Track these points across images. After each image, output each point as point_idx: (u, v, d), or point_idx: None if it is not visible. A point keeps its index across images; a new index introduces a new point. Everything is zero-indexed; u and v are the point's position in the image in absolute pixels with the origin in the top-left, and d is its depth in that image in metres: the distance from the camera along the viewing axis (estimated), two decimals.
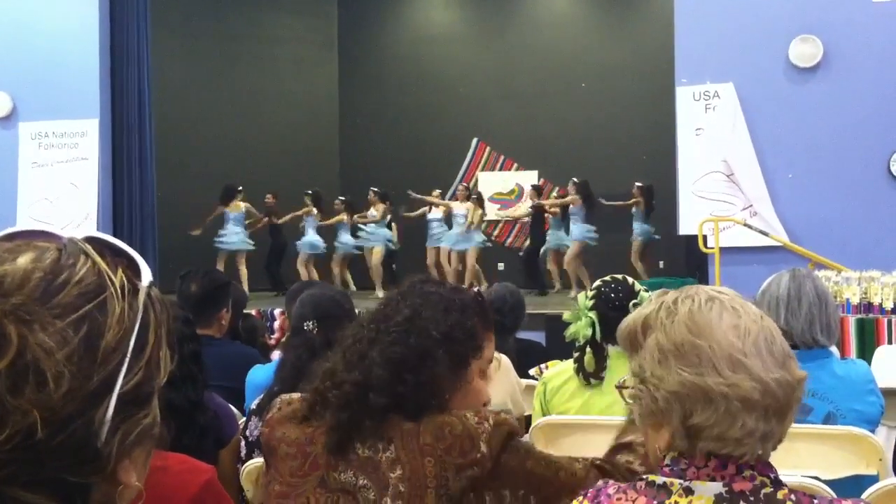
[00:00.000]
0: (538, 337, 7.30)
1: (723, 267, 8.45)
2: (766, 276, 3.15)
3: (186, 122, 15.10)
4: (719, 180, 8.90)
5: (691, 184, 8.99)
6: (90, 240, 0.85)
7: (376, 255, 13.37)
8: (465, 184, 14.97)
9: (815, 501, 1.42)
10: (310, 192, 14.09)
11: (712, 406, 1.40)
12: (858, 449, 2.75)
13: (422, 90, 16.91)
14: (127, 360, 0.81)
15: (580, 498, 1.57)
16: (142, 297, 0.85)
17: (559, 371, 3.23)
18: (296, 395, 1.88)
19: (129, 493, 0.83)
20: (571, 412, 3.08)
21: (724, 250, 8.54)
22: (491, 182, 16.29)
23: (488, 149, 16.83)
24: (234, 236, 13.41)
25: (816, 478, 2.42)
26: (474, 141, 16.83)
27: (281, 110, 16.52)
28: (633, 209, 13.34)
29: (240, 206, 13.51)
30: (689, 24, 9.09)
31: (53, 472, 0.77)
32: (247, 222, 13.71)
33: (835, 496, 1.73)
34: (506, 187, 16.60)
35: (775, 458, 1.48)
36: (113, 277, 0.82)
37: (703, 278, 9.31)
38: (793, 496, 1.41)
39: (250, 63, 16.37)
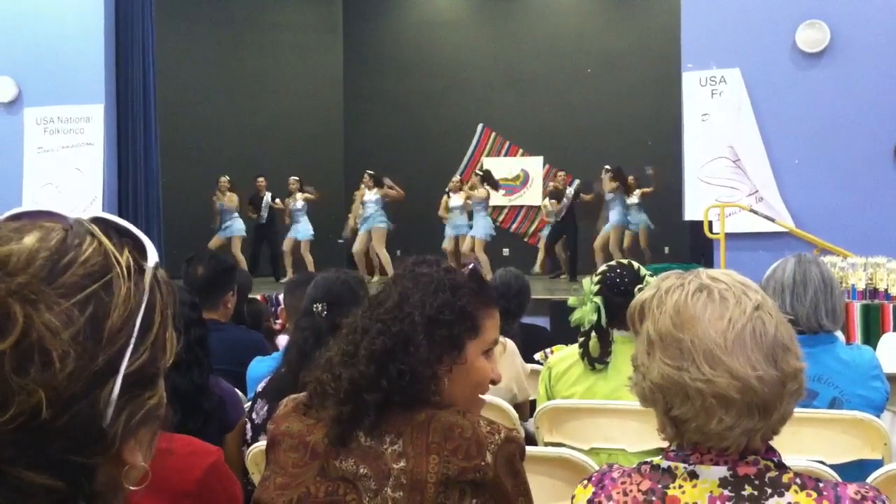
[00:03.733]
0: (543, 322, 7.30)
1: (728, 253, 8.43)
2: (772, 262, 3.14)
3: (191, 107, 15.14)
4: (725, 166, 8.88)
5: (697, 169, 8.97)
6: (96, 220, 0.85)
7: (377, 237, 13.36)
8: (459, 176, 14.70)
9: (820, 485, 1.42)
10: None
11: (689, 401, 1.40)
12: (863, 434, 2.76)
13: (427, 76, 16.88)
14: (133, 340, 0.80)
15: (585, 482, 1.58)
16: (148, 277, 0.84)
17: (564, 356, 3.23)
18: (301, 395, 1.86)
19: (135, 473, 0.83)
20: (576, 397, 3.08)
21: (729, 236, 8.52)
22: (496, 168, 16.26)
23: (493, 134, 16.80)
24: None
25: (821, 462, 2.42)
26: (479, 127, 16.81)
27: (285, 96, 16.51)
28: (610, 196, 13.38)
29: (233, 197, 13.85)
30: (696, 10, 9.05)
31: (58, 453, 0.77)
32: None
33: (840, 480, 1.73)
34: (511, 173, 16.58)
35: (780, 443, 1.47)
36: (119, 258, 0.82)
37: (709, 264, 9.30)
38: (798, 479, 1.41)
39: (255, 48, 16.37)
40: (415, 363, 1.73)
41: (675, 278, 1.51)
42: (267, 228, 14.38)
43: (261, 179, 14.46)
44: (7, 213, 0.84)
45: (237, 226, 13.84)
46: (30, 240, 0.79)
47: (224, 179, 13.79)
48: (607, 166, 13.25)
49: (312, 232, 13.91)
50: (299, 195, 13.95)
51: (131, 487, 0.84)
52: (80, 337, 0.76)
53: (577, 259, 13.63)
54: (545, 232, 14.67)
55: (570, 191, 13.98)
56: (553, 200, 13.90)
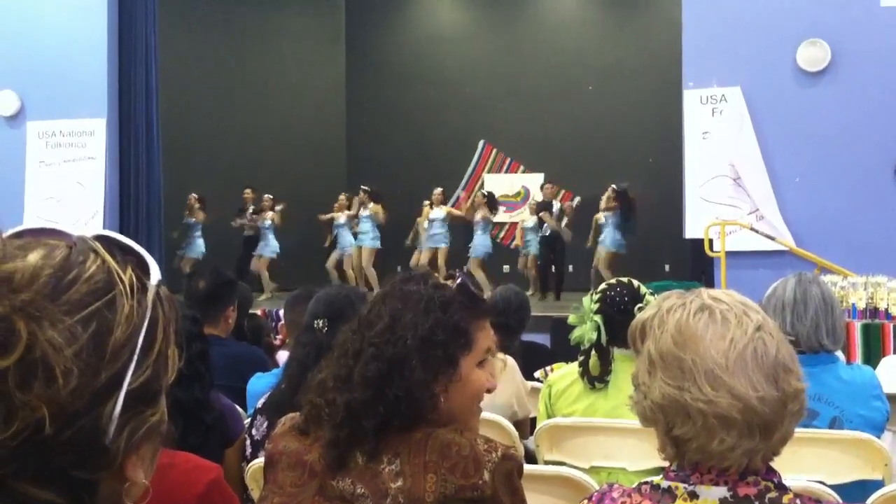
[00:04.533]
0: (543, 339, 7.29)
1: (729, 271, 8.43)
2: (772, 280, 3.14)
3: (193, 117, 15.18)
4: (726, 184, 8.89)
5: (698, 187, 8.98)
6: (100, 238, 0.86)
7: (366, 255, 13.53)
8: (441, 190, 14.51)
9: None
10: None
11: (691, 421, 1.40)
12: (864, 454, 2.75)
13: (428, 88, 16.94)
14: (135, 357, 0.81)
15: (585, 501, 1.57)
16: (151, 295, 0.85)
17: (564, 374, 3.22)
18: (298, 415, 1.85)
19: (137, 489, 0.84)
20: (576, 415, 3.08)
21: (730, 254, 8.52)
22: (497, 184, 16.27)
23: (494, 151, 16.83)
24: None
25: (822, 482, 2.42)
26: (481, 143, 16.85)
27: (288, 106, 16.57)
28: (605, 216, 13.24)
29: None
30: (697, 28, 9.07)
31: (61, 468, 0.77)
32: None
33: (840, 501, 1.73)
34: (512, 189, 16.60)
35: (780, 463, 1.47)
36: (122, 275, 0.83)
37: (709, 282, 9.29)
38: (798, 501, 1.41)
39: (258, 59, 16.43)
40: (411, 386, 1.72)
41: (676, 298, 1.51)
42: (255, 241, 14.22)
43: (247, 191, 14.44)
44: (10, 231, 0.85)
45: (197, 246, 13.80)
46: (34, 257, 0.80)
47: (193, 197, 13.83)
48: (614, 185, 13.02)
49: (278, 248, 14.08)
50: (269, 213, 14.04)
51: (132, 503, 0.84)
52: (84, 353, 0.77)
53: (563, 278, 13.45)
54: (529, 249, 14.21)
55: (556, 205, 13.77)
56: (544, 213, 13.57)
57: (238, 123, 15.86)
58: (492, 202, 13.59)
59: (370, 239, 13.53)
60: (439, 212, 13.65)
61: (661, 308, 1.50)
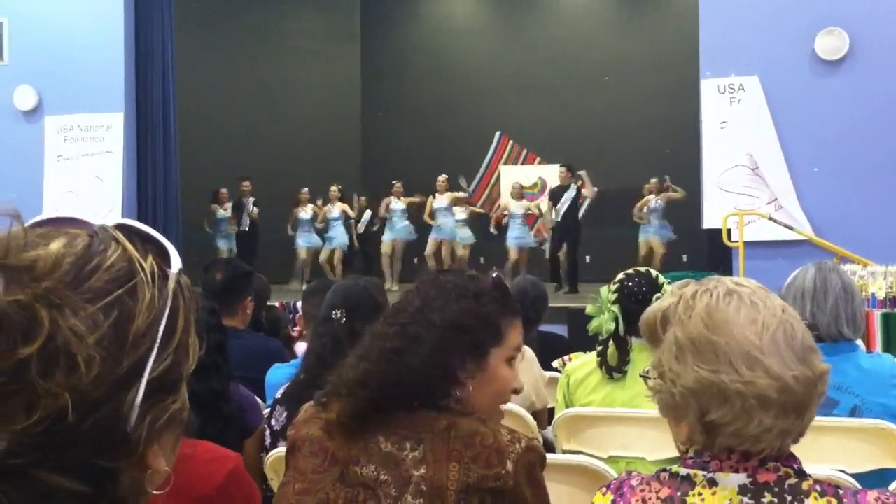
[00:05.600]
0: (560, 330, 7.29)
1: (747, 261, 8.40)
2: (791, 270, 3.13)
3: (208, 115, 15.21)
4: (744, 174, 8.85)
5: (716, 177, 8.95)
6: (120, 227, 0.86)
7: (400, 247, 13.67)
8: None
9: (840, 492, 1.41)
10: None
11: (728, 404, 1.39)
12: (884, 443, 2.74)
13: (444, 83, 16.92)
14: (156, 345, 0.81)
15: (604, 489, 1.57)
16: (172, 283, 0.85)
17: (582, 363, 3.22)
18: (311, 404, 1.87)
19: (158, 477, 0.84)
20: (594, 405, 3.07)
21: (748, 244, 8.49)
22: (514, 176, 16.24)
23: (511, 142, 16.80)
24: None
25: (842, 471, 2.41)
26: (497, 135, 16.83)
27: (303, 104, 16.58)
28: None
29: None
30: (714, 17, 9.03)
31: (83, 457, 0.77)
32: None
33: (860, 488, 1.72)
34: (529, 181, 16.57)
35: (801, 452, 1.47)
36: (143, 263, 0.82)
37: (727, 273, 9.25)
38: (817, 486, 1.41)
39: (273, 56, 16.45)
40: (426, 361, 1.73)
41: (695, 285, 1.51)
42: (248, 237, 13.91)
43: (245, 183, 14.12)
44: (32, 220, 0.85)
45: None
46: (56, 245, 0.79)
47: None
48: (654, 179, 13.33)
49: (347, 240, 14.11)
50: (339, 204, 14.00)
51: (154, 492, 0.84)
52: (105, 341, 0.77)
53: (578, 270, 12.87)
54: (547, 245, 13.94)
55: (570, 191, 12.96)
56: (550, 202, 13.25)
57: (253, 122, 15.91)
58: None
59: (407, 233, 13.76)
60: (443, 200, 13.65)
61: (683, 295, 1.50)
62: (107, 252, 0.81)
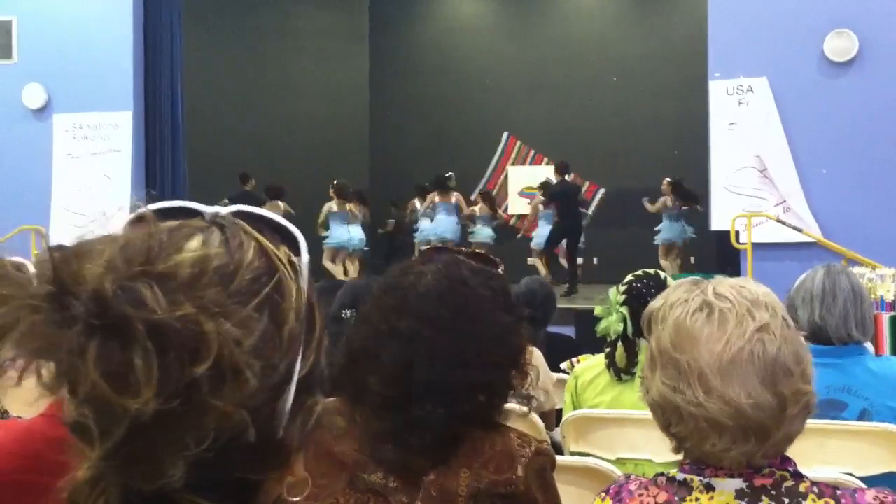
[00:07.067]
0: (568, 331, 7.28)
1: (755, 263, 8.38)
2: (800, 272, 3.12)
3: (216, 114, 15.20)
4: (752, 175, 8.83)
5: (724, 179, 8.93)
6: (240, 214, 0.78)
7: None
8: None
9: (838, 492, 1.41)
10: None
11: (683, 422, 1.39)
12: (893, 446, 2.72)
13: (452, 82, 16.92)
14: (302, 343, 0.75)
15: (602, 494, 1.57)
16: (305, 273, 0.78)
17: (591, 365, 3.22)
18: (331, 402, 1.85)
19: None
20: (602, 406, 3.07)
21: (756, 246, 8.47)
22: (521, 176, 16.23)
23: (518, 143, 16.80)
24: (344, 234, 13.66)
25: (850, 474, 2.40)
26: (505, 135, 16.81)
27: (312, 103, 16.58)
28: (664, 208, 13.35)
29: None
30: (723, 18, 9.01)
31: (234, 472, 0.71)
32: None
33: (862, 486, 1.71)
34: (537, 181, 16.52)
35: (809, 455, 1.46)
36: (279, 256, 0.75)
37: (735, 274, 9.21)
38: (815, 488, 1.41)
39: (281, 56, 16.46)
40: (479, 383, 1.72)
41: (682, 291, 1.48)
42: None
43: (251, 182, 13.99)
44: (133, 214, 0.77)
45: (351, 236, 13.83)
46: (194, 245, 0.72)
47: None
48: (668, 178, 13.27)
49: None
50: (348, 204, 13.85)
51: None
52: (261, 346, 0.70)
53: (576, 271, 12.74)
54: (538, 241, 13.89)
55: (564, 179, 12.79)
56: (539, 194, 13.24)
57: (261, 121, 15.90)
58: (488, 199, 13.84)
59: (452, 232, 13.61)
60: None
61: (666, 300, 1.49)
62: (243, 247, 0.74)
